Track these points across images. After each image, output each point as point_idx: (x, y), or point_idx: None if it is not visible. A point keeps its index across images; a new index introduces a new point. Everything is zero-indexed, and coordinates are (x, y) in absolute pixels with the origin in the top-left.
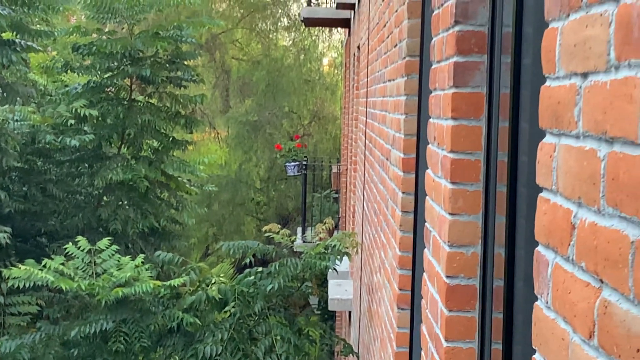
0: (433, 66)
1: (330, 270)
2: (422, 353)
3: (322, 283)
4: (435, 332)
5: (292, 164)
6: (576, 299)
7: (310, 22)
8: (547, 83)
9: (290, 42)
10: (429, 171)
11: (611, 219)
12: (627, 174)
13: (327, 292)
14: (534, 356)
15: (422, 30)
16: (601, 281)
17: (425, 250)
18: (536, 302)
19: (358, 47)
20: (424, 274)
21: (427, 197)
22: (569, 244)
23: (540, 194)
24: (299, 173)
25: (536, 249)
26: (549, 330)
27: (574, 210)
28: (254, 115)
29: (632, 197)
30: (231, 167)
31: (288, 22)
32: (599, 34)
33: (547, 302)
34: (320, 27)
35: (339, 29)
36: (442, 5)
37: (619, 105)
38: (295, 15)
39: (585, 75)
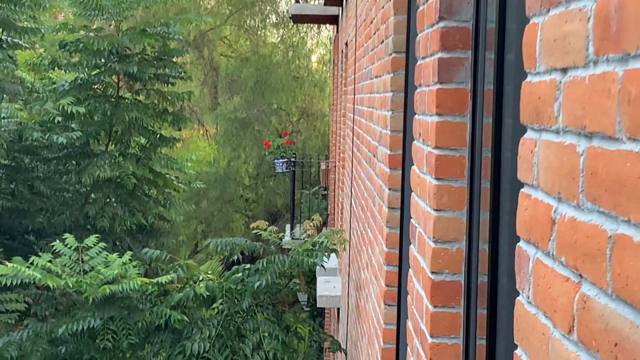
0: (418, 62)
1: (318, 267)
2: (408, 349)
3: (311, 280)
4: (421, 328)
5: (281, 160)
6: (556, 294)
7: (298, 19)
8: (528, 78)
9: (279, 39)
10: (414, 167)
11: (590, 214)
12: (605, 169)
13: (316, 289)
14: (515, 351)
15: (408, 27)
16: (580, 276)
17: (411, 246)
18: (518, 298)
19: (346, 44)
20: (410, 270)
21: (412, 194)
22: (550, 239)
23: (522, 190)
24: (288, 170)
25: (518, 244)
26: (530, 326)
27: (554, 205)
28: (243, 112)
29: (610, 192)
30: (220, 164)
31: (276, 19)
32: (578, 29)
33: (528, 298)
34: (309, 24)
35: (327, 25)
36: (426, 1)
37: (598, 100)
38: (283, 12)
39: (564, 71)
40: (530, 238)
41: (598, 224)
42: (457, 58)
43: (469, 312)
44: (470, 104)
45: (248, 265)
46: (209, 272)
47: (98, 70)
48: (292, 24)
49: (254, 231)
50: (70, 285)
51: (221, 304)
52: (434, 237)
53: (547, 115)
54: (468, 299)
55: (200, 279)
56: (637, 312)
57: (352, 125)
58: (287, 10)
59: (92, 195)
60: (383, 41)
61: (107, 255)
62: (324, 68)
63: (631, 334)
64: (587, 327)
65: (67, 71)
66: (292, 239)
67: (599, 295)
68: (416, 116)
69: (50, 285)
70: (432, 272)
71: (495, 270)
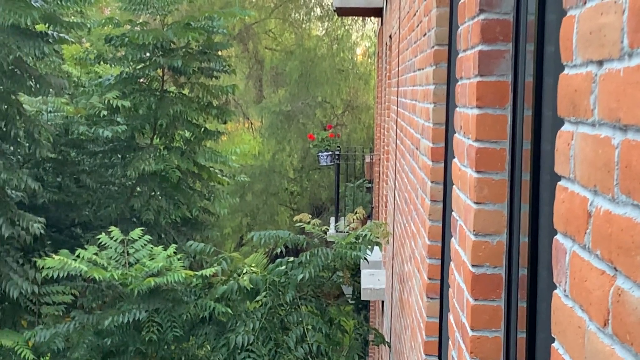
0: (459, 55)
1: (362, 259)
2: (450, 342)
3: (356, 273)
4: (462, 321)
5: (325, 153)
6: (592, 287)
7: (343, 12)
8: (565, 71)
9: (324, 31)
10: (455, 160)
11: (624, 207)
12: (639, 162)
13: (360, 282)
14: (552, 345)
15: (450, 19)
16: (615, 269)
17: (452, 239)
18: (555, 291)
19: (390, 37)
20: (451, 263)
21: (454, 186)
22: (585, 232)
23: (559, 183)
24: (332, 163)
25: (555, 237)
26: (567, 319)
27: (590, 198)
28: (287, 105)
29: None
30: (265, 157)
31: (321, 12)
32: (613, 21)
33: (565, 291)
34: (353, 17)
35: (371, 18)
36: None
37: (632, 92)
38: (328, 4)
39: (600, 63)
40: (567, 231)
41: (632, 217)
42: (497, 50)
43: (509, 306)
44: (511, 97)
45: (292, 258)
46: (254, 265)
47: (143, 64)
48: (336, 16)
49: (297, 224)
50: (116, 277)
51: (265, 296)
52: (474, 230)
53: (583, 108)
54: (509, 292)
55: (244, 271)
56: None
57: (395, 117)
58: (332, 3)
59: (138, 189)
60: (425, 34)
61: (152, 248)
62: (369, 61)
63: None
64: (621, 321)
65: (113, 65)
66: (337, 232)
67: (633, 289)
68: (457, 109)
69: (96, 278)
70: (473, 265)
71: (535, 263)
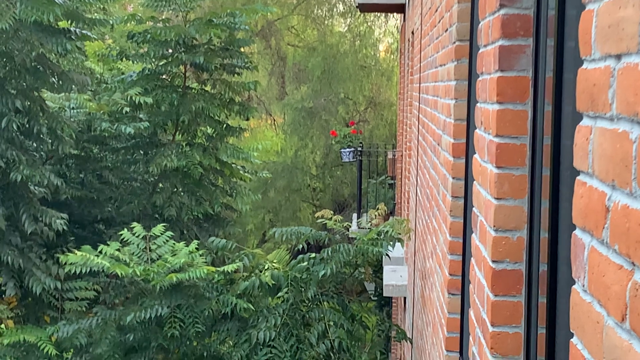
0: (480, 50)
1: (384, 256)
2: (470, 338)
3: (378, 269)
4: (482, 316)
5: (347, 150)
6: (610, 282)
7: (365, 8)
8: (584, 65)
9: (346, 28)
10: (476, 156)
11: None
12: None
13: (382, 278)
14: (571, 340)
15: (472, 15)
16: (633, 264)
17: (473, 235)
18: (574, 286)
19: (412, 33)
20: (472, 258)
21: (474, 182)
22: (604, 227)
23: (577, 177)
24: (354, 159)
25: (573, 232)
26: (585, 314)
27: (608, 193)
28: (310, 101)
29: None
30: (287, 153)
31: (343, 8)
32: (631, 15)
33: (583, 286)
34: (376, 13)
35: (394, 14)
36: None
37: None
38: (350, 1)
39: (618, 57)
40: (585, 226)
41: None
42: (518, 45)
43: (530, 301)
44: (531, 92)
45: (313, 255)
46: (275, 261)
47: (165, 60)
48: (359, 12)
49: (319, 220)
50: (138, 273)
51: (287, 292)
52: (494, 226)
53: (601, 103)
54: (529, 288)
55: (266, 267)
56: None
57: (417, 114)
58: None
59: (160, 185)
60: (447, 29)
61: (174, 244)
62: (392, 57)
63: None
64: (639, 315)
65: (135, 62)
66: (359, 228)
67: None
68: (478, 104)
69: (119, 274)
70: (493, 261)
71: (555, 259)
